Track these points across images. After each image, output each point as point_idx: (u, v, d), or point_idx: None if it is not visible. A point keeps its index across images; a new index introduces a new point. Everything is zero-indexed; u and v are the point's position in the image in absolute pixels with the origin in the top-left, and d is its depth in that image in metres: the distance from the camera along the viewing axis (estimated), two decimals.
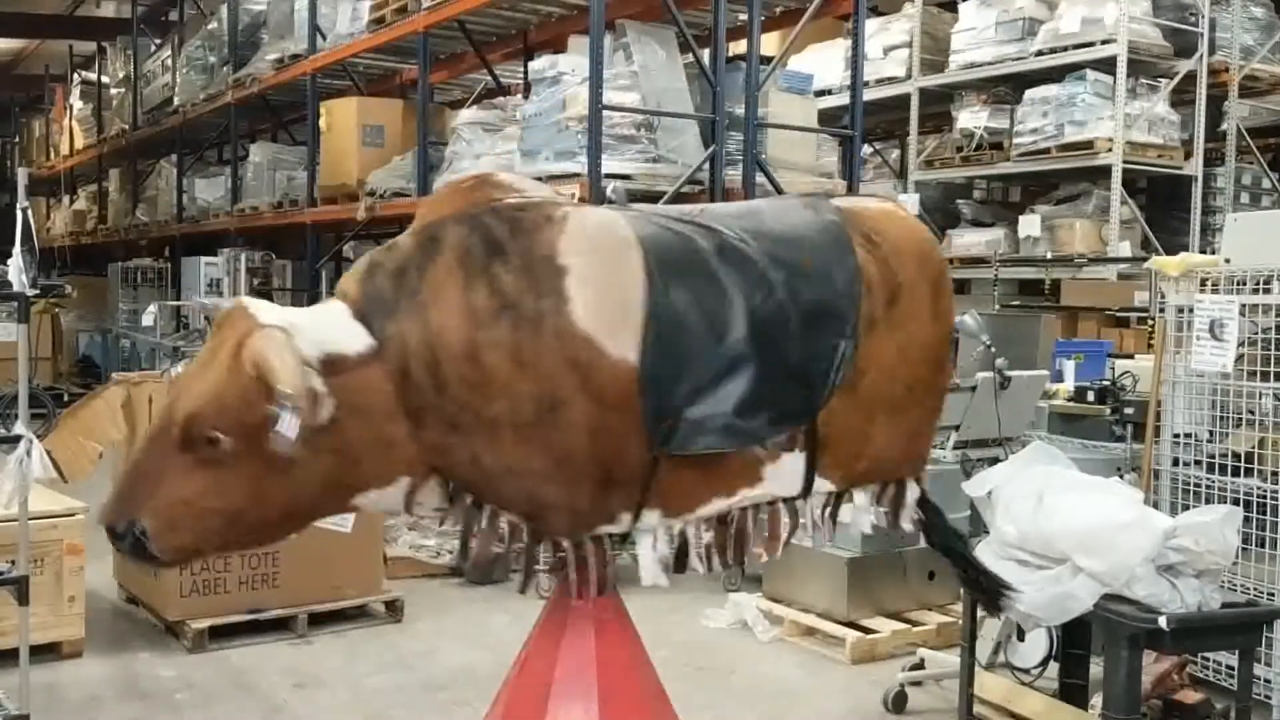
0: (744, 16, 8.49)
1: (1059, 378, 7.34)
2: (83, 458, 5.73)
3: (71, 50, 19.90)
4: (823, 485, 3.22)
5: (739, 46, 8.66)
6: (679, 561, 3.08)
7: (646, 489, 2.92)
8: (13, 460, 3.86)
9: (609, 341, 2.80)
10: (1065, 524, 3.58)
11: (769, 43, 9.38)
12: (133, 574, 5.98)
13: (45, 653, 5.18)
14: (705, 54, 8.30)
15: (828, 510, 3.34)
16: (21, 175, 3.96)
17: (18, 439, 3.88)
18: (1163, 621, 3.34)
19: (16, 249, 3.82)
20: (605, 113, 7.66)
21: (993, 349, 4.66)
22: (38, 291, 3.84)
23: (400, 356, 2.80)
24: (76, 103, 19.63)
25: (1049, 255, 9.77)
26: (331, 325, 2.85)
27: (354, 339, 2.81)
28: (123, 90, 17.47)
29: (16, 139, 23.98)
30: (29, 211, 3.84)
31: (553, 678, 2.67)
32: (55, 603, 5.24)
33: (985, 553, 3.95)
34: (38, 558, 5.16)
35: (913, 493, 3.38)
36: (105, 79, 18.43)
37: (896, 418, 3.24)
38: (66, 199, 21.02)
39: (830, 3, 9.22)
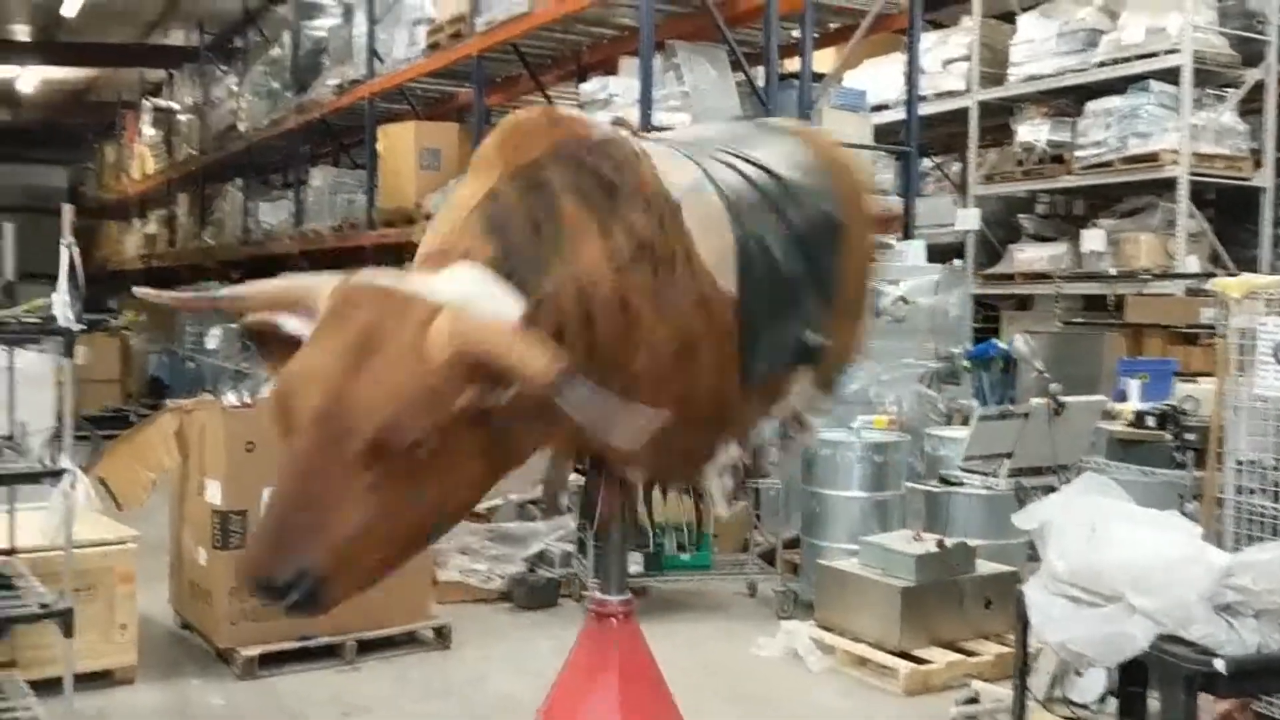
0: (797, 34, 8.42)
1: (1122, 397, 7.16)
2: (137, 485, 5.80)
3: (142, 77, 20.34)
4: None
5: (794, 65, 8.59)
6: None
7: (737, 421, 3.12)
8: (57, 493, 3.89)
9: (721, 276, 2.92)
10: (1118, 559, 3.45)
11: (824, 60, 9.30)
12: (187, 600, 6.03)
13: (98, 679, 5.23)
14: (758, 72, 8.25)
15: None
16: (67, 211, 4.01)
17: (62, 472, 3.91)
18: (1219, 664, 3.20)
19: (62, 284, 3.86)
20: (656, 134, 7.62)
21: (1045, 374, 4.54)
22: (83, 327, 3.87)
23: (557, 315, 2.50)
24: (147, 129, 20.05)
25: (1112, 271, 9.54)
26: (488, 290, 2.47)
27: (512, 303, 2.46)
28: (191, 116, 17.81)
29: (91, 165, 24.54)
30: (74, 247, 3.88)
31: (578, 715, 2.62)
32: (107, 630, 5.28)
33: (1036, 587, 3.84)
34: (90, 585, 5.21)
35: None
36: (174, 105, 18.79)
37: (853, 320, 3.60)
38: (138, 223, 21.46)
39: (885, 18, 9.11)
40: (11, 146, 20.26)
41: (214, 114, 16.83)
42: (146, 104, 20.14)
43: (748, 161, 3.24)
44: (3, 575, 4.45)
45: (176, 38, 19.07)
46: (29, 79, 21.11)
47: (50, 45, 19.03)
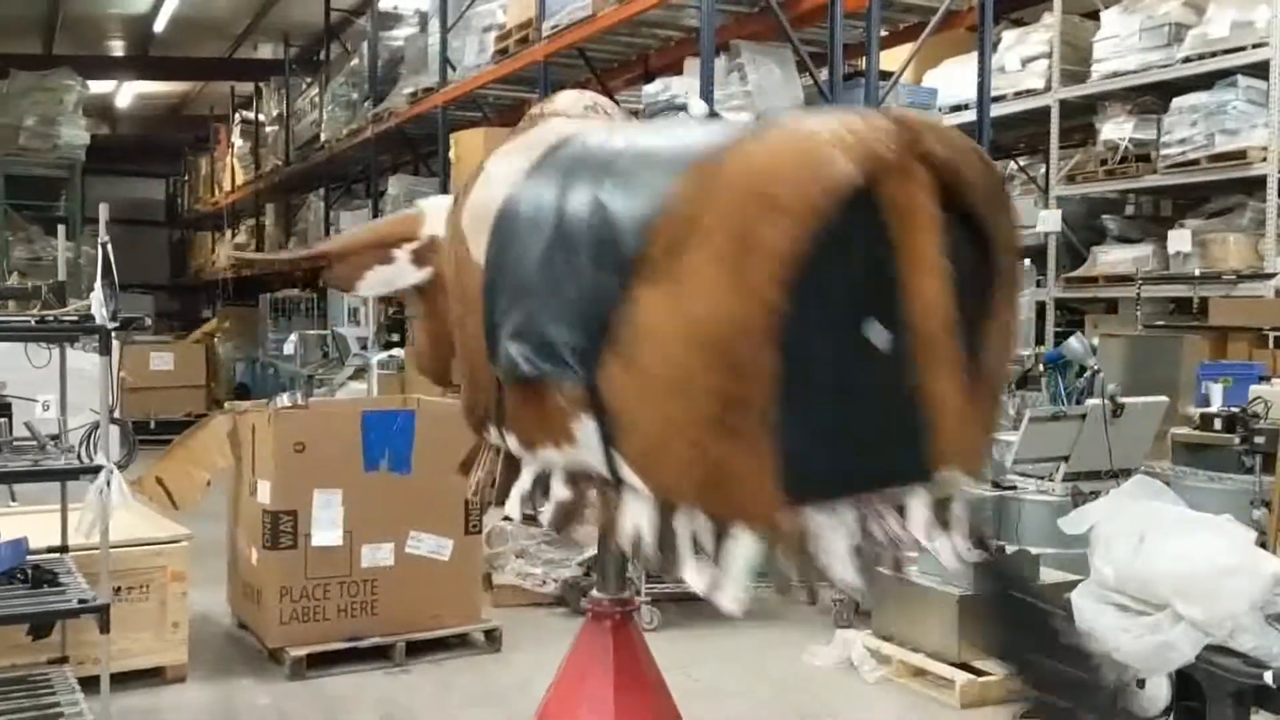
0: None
1: (1205, 402, 6.91)
2: (192, 486, 5.87)
3: (233, 91, 20.79)
4: (634, 481, 2.45)
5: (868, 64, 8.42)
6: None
7: (500, 405, 2.88)
8: (93, 490, 3.92)
9: (474, 243, 2.92)
10: (1166, 567, 3.28)
11: (900, 58, 9.11)
12: (241, 600, 6.08)
13: (149, 677, 5.29)
14: (824, 73, 8.11)
15: (673, 528, 2.44)
16: (103, 211, 4.05)
17: (98, 469, 3.94)
18: (1269, 677, 3.01)
19: (98, 282, 3.90)
20: None
21: (1101, 373, 4.35)
22: (117, 325, 3.90)
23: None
24: (237, 141, 20.49)
25: (1197, 272, 9.19)
26: (439, 217, 3.39)
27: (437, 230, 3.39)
28: (277, 128, 18.15)
29: (186, 177, 25.17)
30: (109, 246, 3.92)
31: None
32: (159, 628, 5.33)
33: (1084, 595, 3.67)
34: (142, 584, 5.28)
35: (743, 551, 2.36)
36: (261, 118, 19.17)
37: (682, 424, 2.28)
38: (229, 233, 21.94)
39: (957, 15, 8.91)
40: (110, 161, 20.87)
41: (298, 125, 17.12)
42: (236, 117, 20.59)
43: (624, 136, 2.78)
44: (52, 572, 4.50)
45: (264, 51, 19.47)
46: (125, 94, 21.73)
47: (143, 60, 19.56)
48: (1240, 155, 9.14)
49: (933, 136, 2.24)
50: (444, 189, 11.67)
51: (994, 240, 2.32)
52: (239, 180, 20.43)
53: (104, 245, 3.87)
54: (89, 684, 4.66)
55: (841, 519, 2.34)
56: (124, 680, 5.05)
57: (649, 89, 8.50)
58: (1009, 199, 2.46)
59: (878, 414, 2.27)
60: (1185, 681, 3.83)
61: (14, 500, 6.18)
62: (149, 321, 3.73)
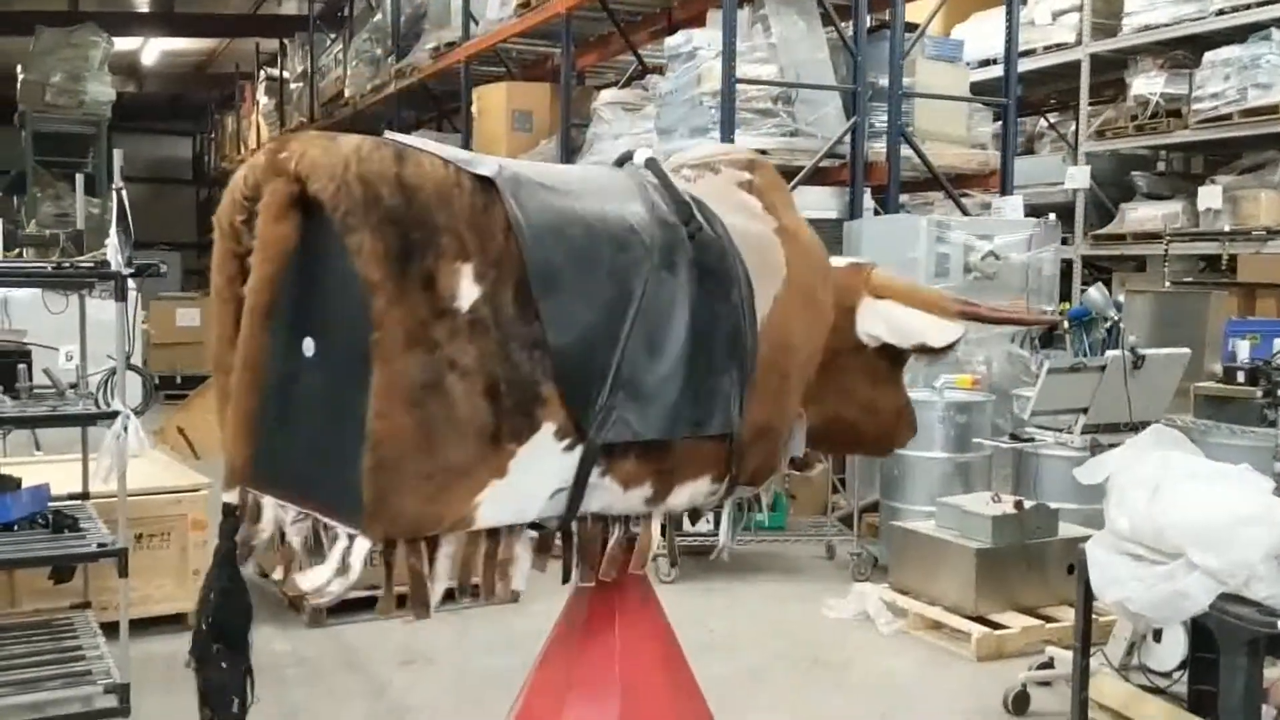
0: None
1: (1231, 359, 6.83)
2: (213, 436, 5.89)
3: (258, 48, 20.74)
4: None
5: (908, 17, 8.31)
6: None
7: None
8: (110, 435, 3.95)
9: None
10: (1180, 516, 3.24)
11: (926, 10, 8.98)
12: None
13: (171, 623, 5.35)
14: (849, 26, 8.02)
15: None
16: (117, 157, 4.05)
17: (116, 414, 3.97)
18: None
19: (113, 229, 3.90)
20: (741, 86, 7.48)
21: (1122, 324, 4.29)
22: (133, 270, 3.91)
23: None
24: (263, 98, 20.44)
25: (1228, 228, 9.06)
26: None
27: None
28: (301, 85, 18.10)
29: (212, 135, 25.20)
30: (124, 192, 3.92)
31: (573, 674, 2.53)
32: (180, 575, 5.39)
33: (1099, 545, 3.64)
34: (164, 531, 5.33)
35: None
36: (286, 75, 19.13)
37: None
38: None
39: None
40: (137, 119, 20.93)
41: (322, 82, 17.07)
42: (261, 74, 20.56)
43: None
44: (72, 517, 4.55)
45: (289, 7, 19.41)
46: (151, 51, 21.74)
47: (168, 16, 19.55)
48: (1273, 110, 8.99)
49: (299, 154, 2.36)
50: (466, 145, 11.64)
51: (342, 240, 2.31)
52: (265, 138, 20.41)
53: (119, 192, 3.87)
54: (110, 629, 4.72)
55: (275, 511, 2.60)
56: (146, 626, 5.12)
57: (672, 41, 8.41)
58: (370, 202, 2.31)
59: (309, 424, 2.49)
60: (1199, 632, 3.82)
61: (38, 449, 6.25)
62: (164, 269, 3.68)
